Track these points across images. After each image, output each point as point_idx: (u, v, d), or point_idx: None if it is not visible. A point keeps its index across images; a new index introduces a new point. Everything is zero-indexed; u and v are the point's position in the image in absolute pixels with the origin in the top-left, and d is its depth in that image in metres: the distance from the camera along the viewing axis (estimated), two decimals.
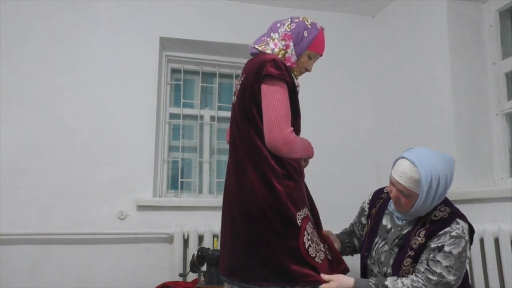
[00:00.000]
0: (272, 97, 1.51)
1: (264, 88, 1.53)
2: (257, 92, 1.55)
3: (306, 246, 1.52)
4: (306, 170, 1.83)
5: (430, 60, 2.71)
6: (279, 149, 1.50)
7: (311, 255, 1.53)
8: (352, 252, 1.97)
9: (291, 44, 1.64)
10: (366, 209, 1.89)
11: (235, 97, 1.68)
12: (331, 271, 1.60)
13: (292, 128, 1.53)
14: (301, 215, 1.55)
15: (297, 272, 1.49)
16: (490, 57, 2.59)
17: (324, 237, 1.71)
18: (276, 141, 1.49)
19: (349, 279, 1.60)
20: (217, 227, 2.68)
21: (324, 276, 1.55)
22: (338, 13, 3.35)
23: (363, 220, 1.89)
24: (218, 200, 2.84)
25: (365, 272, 1.79)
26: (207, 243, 2.82)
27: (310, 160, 1.84)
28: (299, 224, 1.52)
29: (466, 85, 2.55)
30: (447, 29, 2.58)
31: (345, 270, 1.68)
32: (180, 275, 2.62)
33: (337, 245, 1.86)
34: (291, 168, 1.57)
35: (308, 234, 1.55)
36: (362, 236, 1.89)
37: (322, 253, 1.61)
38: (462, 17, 2.62)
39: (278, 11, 3.12)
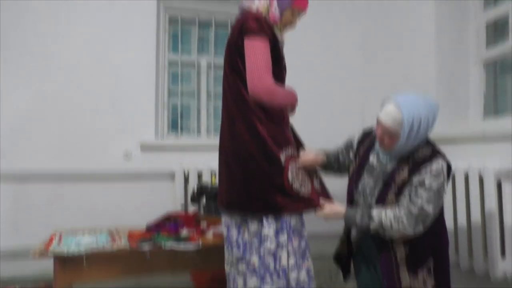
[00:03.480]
0: (253, 50, 1.51)
1: (246, 42, 1.53)
2: (241, 46, 1.55)
3: (290, 181, 1.57)
4: (296, 114, 1.83)
5: (416, 8, 2.63)
6: (261, 98, 1.52)
7: (295, 189, 1.58)
8: (331, 173, 1.93)
9: (275, 1, 1.63)
10: (355, 146, 1.86)
11: (225, 51, 1.68)
12: (318, 199, 1.67)
13: (272, 78, 1.53)
14: (283, 155, 1.59)
15: (283, 204, 1.56)
16: (473, 7, 2.52)
17: (314, 173, 1.75)
18: (257, 91, 1.50)
19: (341, 207, 1.65)
20: (214, 165, 2.60)
21: (321, 201, 1.63)
22: None
23: (351, 154, 1.87)
24: (215, 141, 2.61)
25: (352, 204, 1.78)
26: (206, 179, 2.87)
27: (299, 106, 1.82)
28: (283, 163, 1.57)
29: (450, 34, 2.50)
30: None
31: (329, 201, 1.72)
32: (182, 207, 2.70)
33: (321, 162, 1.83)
34: (274, 115, 1.60)
35: (292, 171, 1.59)
36: (345, 163, 1.88)
37: (309, 185, 1.65)
38: None
39: None
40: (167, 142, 2.97)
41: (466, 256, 2.15)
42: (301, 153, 1.70)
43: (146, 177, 2.87)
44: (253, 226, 1.59)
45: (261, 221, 1.57)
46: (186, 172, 2.87)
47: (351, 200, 1.76)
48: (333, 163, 1.88)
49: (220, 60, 3.19)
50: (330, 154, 1.89)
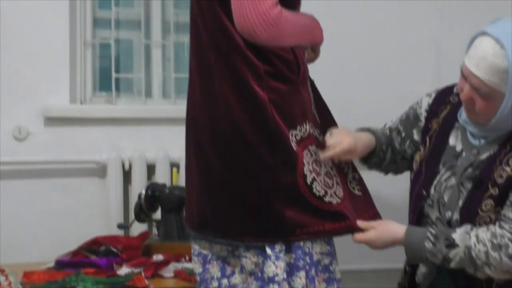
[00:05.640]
0: None
1: None
2: None
3: (309, 180, 1.60)
4: (321, 65, 1.87)
5: None
6: (256, 34, 1.51)
7: (317, 194, 1.61)
8: (376, 166, 2.01)
9: None
10: (423, 118, 1.90)
11: None
12: (357, 214, 1.71)
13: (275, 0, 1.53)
14: (297, 134, 1.63)
15: (294, 221, 1.59)
16: None
17: (347, 167, 1.80)
18: (249, 22, 1.50)
19: (397, 227, 1.70)
20: (177, 152, 2.82)
21: (360, 224, 1.67)
22: None
23: (415, 134, 1.91)
24: (178, 108, 2.85)
25: (419, 220, 1.83)
26: (162, 176, 2.87)
27: (327, 46, 1.84)
28: (295, 149, 1.60)
29: None
30: None
31: (373, 217, 1.77)
32: (120, 226, 2.70)
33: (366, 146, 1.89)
34: (281, 62, 1.61)
35: (310, 162, 1.63)
36: (404, 151, 1.94)
37: (339, 187, 1.70)
38: None
39: None
40: (93, 110, 2.98)
41: None
42: (328, 136, 1.73)
43: (54, 173, 2.89)
44: (248, 260, 1.63)
45: (262, 252, 1.61)
46: (127, 163, 2.91)
47: (416, 213, 1.79)
48: (382, 151, 1.93)
49: None
50: (379, 134, 1.94)
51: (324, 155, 1.68)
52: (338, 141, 1.71)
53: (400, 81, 3.12)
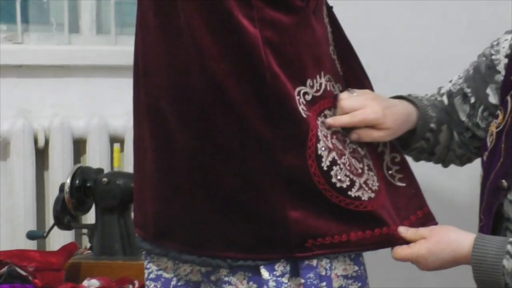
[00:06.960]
0: None
1: None
2: None
3: (325, 163, 1.44)
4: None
5: None
6: None
7: (338, 185, 1.44)
8: (422, 154, 1.80)
9: None
10: (502, 67, 1.67)
11: None
12: (398, 217, 1.52)
13: None
14: (307, 92, 1.46)
15: (303, 227, 1.43)
16: None
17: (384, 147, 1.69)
18: None
19: (460, 236, 1.48)
20: (120, 119, 2.70)
21: (405, 232, 1.49)
22: None
23: (491, 94, 1.67)
24: (120, 50, 2.67)
25: (496, 225, 1.58)
26: (97, 157, 2.63)
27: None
28: (304, 115, 1.43)
29: None
30: None
31: (424, 220, 1.59)
32: (31, 236, 2.39)
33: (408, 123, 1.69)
34: None
35: (328, 136, 1.47)
36: (473, 128, 1.73)
37: (373, 175, 1.55)
38: None
39: None
40: None
41: None
42: (345, 95, 1.57)
43: None
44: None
45: (254, 276, 1.42)
46: (41, 136, 2.61)
47: (492, 215, 1.61)
48: (431, 130, 1.76)
49: None
50: (423, 104, 1.74)
51: (334, 120, 1.51)
52: (360, 105, 1.53)
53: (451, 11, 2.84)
